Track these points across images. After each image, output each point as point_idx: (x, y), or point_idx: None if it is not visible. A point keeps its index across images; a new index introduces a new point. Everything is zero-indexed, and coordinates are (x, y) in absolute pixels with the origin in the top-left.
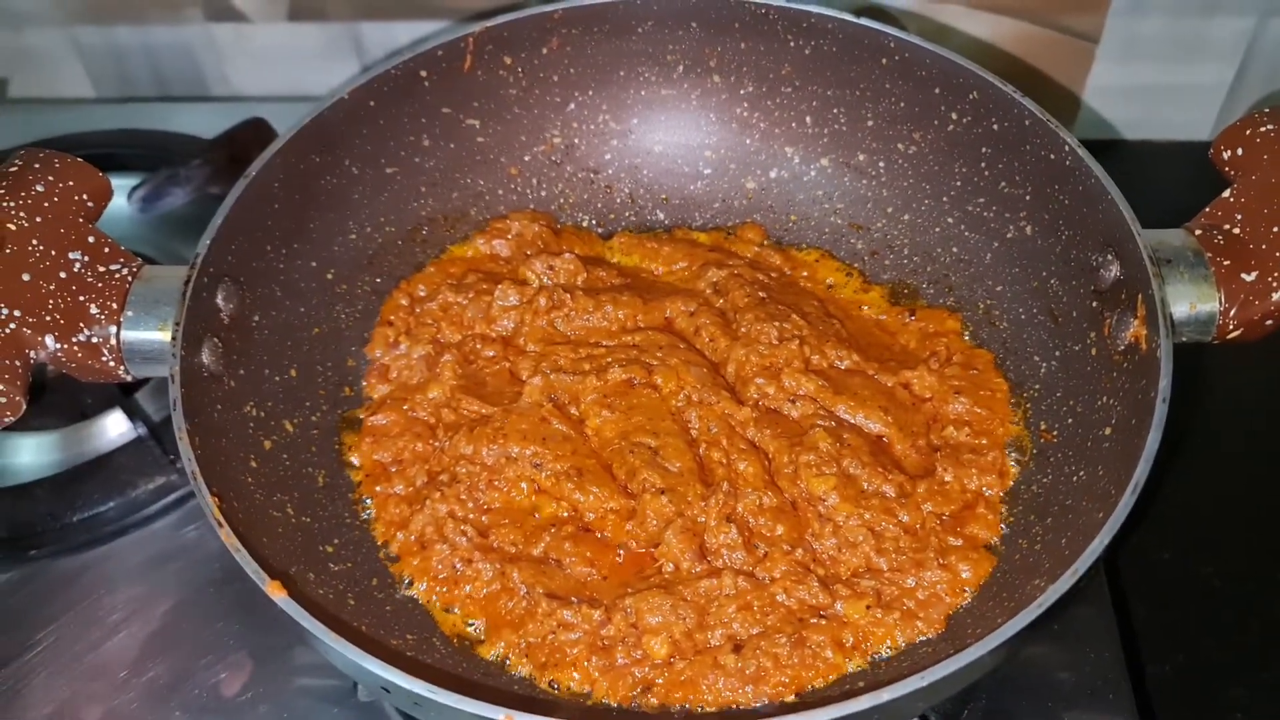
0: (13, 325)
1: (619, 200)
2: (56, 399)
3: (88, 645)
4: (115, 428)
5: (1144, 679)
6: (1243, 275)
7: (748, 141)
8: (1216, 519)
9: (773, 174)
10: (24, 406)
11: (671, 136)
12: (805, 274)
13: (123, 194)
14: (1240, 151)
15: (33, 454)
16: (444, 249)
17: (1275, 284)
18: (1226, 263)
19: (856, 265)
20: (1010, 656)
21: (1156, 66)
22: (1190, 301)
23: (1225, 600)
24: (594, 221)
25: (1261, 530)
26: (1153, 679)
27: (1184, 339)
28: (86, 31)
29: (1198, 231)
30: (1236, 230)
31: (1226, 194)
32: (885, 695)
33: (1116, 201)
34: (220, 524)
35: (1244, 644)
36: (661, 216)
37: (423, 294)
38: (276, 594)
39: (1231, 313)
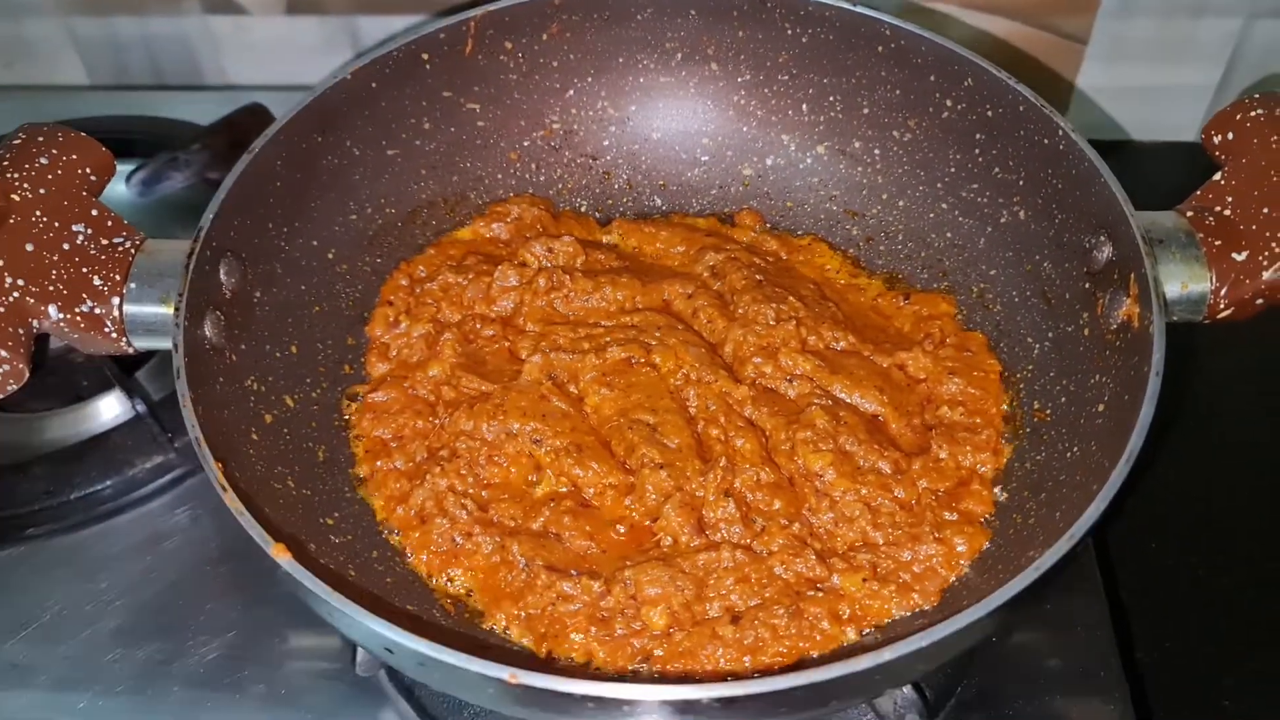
0: (16, 294)
1: (617, 186)
2: (52, 381)
3: (84, 622)
4: (109, 410)
5: (1133, 667)
6: (1233, 255)
7: (744, 129)
8: (1205, 510)
9: (769, 161)
10: (27, 375)
11: (669, 123)
12: (801, 258)
13: (121, 178)
14: (1230, 136)
15: (26, 435)
16: (444, 231)
17: (1265, 263)
18: (1218, 243)
19: (852, 251)
20: (1006, 625)
21: (1144, 67)
22: (1182, 281)
23: (1213, 589)
24: (592, 207)
25: (1249, 520)
26: (1142, 667)
27: (1175, 318)
28: (84, 22)
29: (1189, 213)
30: (1227, 212)
31: (1217, 177)
32: (886, 654)
33: (1109, 184)
34: (225, 488)
35: (1231, 633)
36: (659, 202)
37: (423, 275)
38: (281, 556)
39: (1222, 292)
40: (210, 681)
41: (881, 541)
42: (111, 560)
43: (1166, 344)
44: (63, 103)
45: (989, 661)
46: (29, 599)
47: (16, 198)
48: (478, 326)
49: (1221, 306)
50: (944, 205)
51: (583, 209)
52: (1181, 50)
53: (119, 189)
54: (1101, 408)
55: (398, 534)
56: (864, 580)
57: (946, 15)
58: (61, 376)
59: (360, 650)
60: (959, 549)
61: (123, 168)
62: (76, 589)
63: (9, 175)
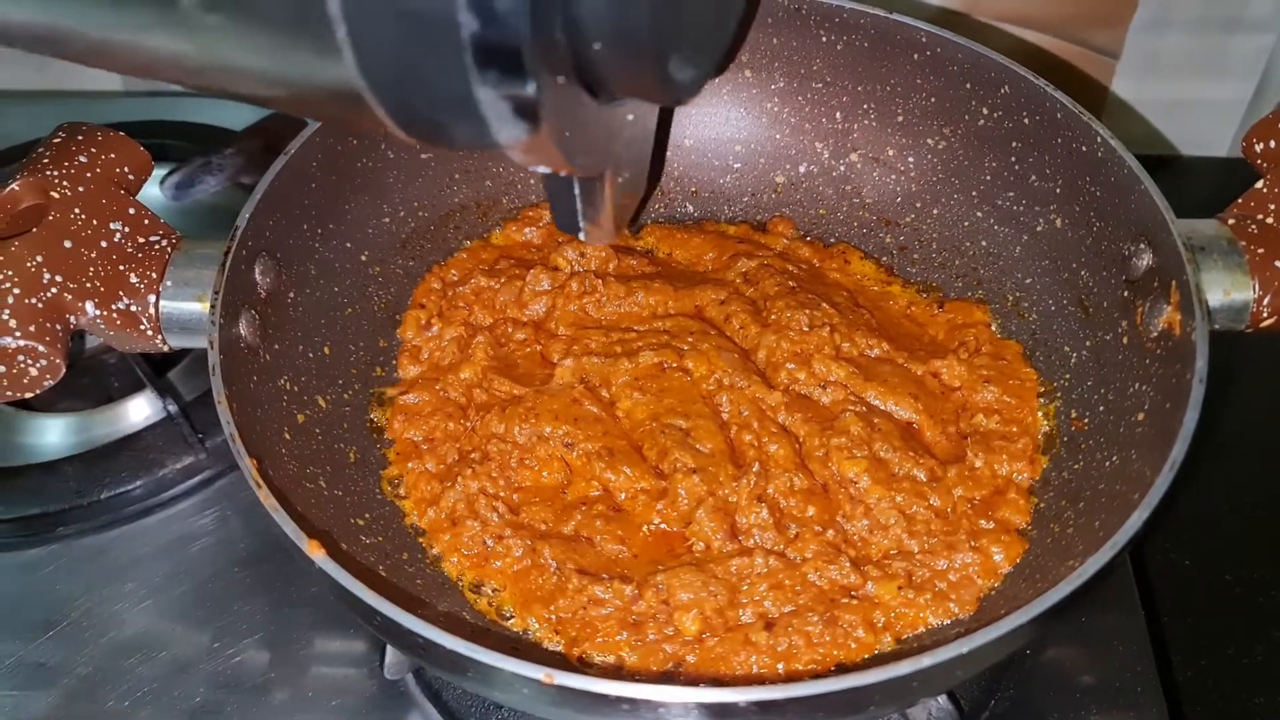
0: (54, 290)
1: None
2: (85, 381)
3: (113, 621)
4: (140, 411)
5: (1170, 684)
6: (1277, 263)
7: (777, 136)
8: (1243, 527)
9: (802, 169)
10: (63, 370)
11: (702, 130)
12: (834, 266)
13: (154, 182)
14: (1272, 144)
15: (59, 435)
16: (476, 235)
17: None
18: (1260, 251)
19: (885, 259)
20: (1044, 634)
21: (1177, 82)
22: (1224, 288)
23: (1250, 607)
24: None
25: None
26: (1178, 684)
27: (1217, 327)
28: None
29: (1230, 221)
30: (1269, 220)
31: (1259, 185)
32: (926, 660)
33: (1150, 191)
34: (259, 485)
35: (1268, 651)
36: (691, 209)
37: (455, 278)
38: (315, 553)
39: (1265, 300)
40: (236, 683)
41: (917, 549)
42: (140, 561)
43: (1208, 352)
44: (97, 108)
45: (1024, 675)
46: (58, 598)
47: (55, 195)
48: (510, 330)
49: (1265, 315)
50: (979, 213)
51: None
52: (1214, 65)
53: (153, 192)
54: (1141, 416)
55: (428, 535)
56: (899, 588)
57: (980, 26)
58: (93, 377)
59: (389, 653)
60: (996, 558)
61: (157, 171)
62: (105, 589)
63: (48, 173)
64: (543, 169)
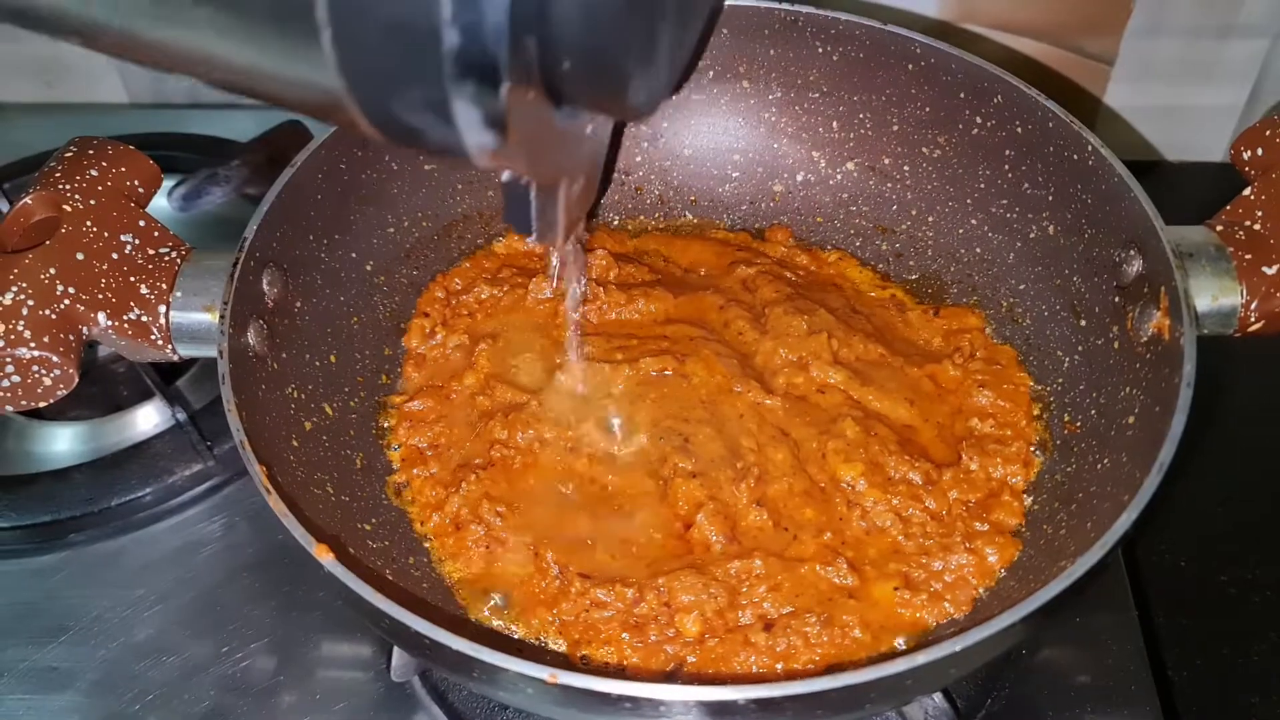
0: (67, 301)
1: (649, 201)
2: (94, 390)
3: (123, 626)
4: (149, 419)
5: (1164, 683)
6: (1264, 269)
7: (775, 145)
8: (1236, 527)
9: (799, 177)
10: (76, 379)
11: (701, 140)
12: (831, 273)
13: (162, 194)
14: (1260, 151)
15: (70, 443)
16: (479, 244)
17: None
18: (1248, 257)
19: (881, 266)
20: (1037, 633)
21: (1171, 88)
22: (1212, 294)
23: (1244, 606)
24: (624, 221)
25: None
26: (1172, 683)
27: (1206, 331)
28: None
29: (1219, 228)
30: (1257, 226)
31: (1247, 192)
32: (920, 658)
33: (1139, 199)
34: (269, 491)
35: (1262, 650)
36: (690, 217)
37: (458, 287)
38: (324, 557)
39: (1253, 305)
40: (244, 687)
41: (913, 551)
42: (150, 566)
43: (1197, 357)
44: (103, 121)
45: (1020, 674)
46: (69, 603)
47: (68, 208)
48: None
49: (1252, 319)
50: (973, 221)
51: (615, 223)
52: (1208, 71)
53: (160, 203)
54: (1132, 420)
55: (434, 539)
56: (895, 589)
57: (975, 35)
58: (103, 386)
59: (395, 655)
60: (990, 559)
61: (164, 183)
62: (115, 594)
63: (61, 186)
64: (505, 175)
